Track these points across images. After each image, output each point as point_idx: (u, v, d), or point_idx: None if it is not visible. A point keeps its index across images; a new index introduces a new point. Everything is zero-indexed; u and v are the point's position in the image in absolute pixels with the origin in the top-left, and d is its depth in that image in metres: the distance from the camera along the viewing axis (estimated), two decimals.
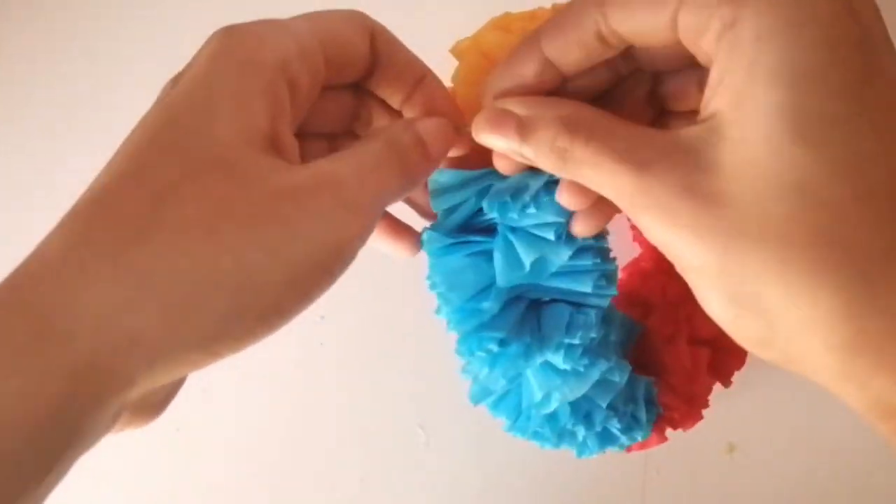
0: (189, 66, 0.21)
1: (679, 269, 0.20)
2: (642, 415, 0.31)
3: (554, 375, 0.28)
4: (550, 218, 0.25)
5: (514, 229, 0.26)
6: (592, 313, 0.28)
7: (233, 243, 0.18)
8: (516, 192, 0.25)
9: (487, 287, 0.27)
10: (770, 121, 0.17)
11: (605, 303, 0.28)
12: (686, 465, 0.38)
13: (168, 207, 0.18)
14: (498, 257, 0.26)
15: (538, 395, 0.29)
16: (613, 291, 0.27)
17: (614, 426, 0.30)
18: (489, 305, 0.27)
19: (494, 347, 0.27)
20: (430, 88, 0.25)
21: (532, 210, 0.25)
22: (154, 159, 0.19)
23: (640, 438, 0.32)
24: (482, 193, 0.26)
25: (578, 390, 0.28)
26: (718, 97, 0.18)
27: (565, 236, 0.26)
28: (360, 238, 0.20)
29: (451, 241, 0.27)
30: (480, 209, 0.26)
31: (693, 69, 0.22)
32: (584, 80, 0.23)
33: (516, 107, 0.22)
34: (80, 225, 0.18)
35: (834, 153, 0.17)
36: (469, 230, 0.27)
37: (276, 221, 0.19)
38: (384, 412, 0.40)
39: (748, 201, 0.18)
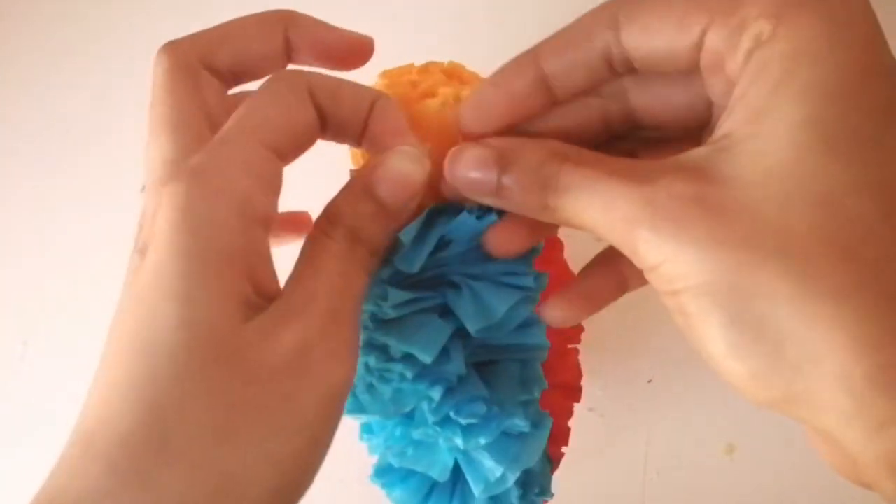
0: (149, 236, 0.19)
1: (670, 291, 0.18)
2: (548, 469, 0.30)
3: (511, 443, 0.26)
4: (519, 265, 0.24)
5: (475, 278, 0.24)
6: (538, 366, 0.26)
7: (257, 440, 0.18)
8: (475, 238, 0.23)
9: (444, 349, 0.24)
10: (796, 132, 0.16)
11: (545, 355, 0.26)
12: (686, 465, 0.38)
13: (176, 428, 0.17)
14: (467, 308, 0.24)
15: (495, 473, 0.26)
16: (548, 342, 0.26)
17: (543, 482, 0.29)
18: (454, 367, 0.24)
19: (482, 409, 0.25)
20: (381, 116, 0.23)
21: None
22: (144, 373, 0.18)
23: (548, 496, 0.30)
24: (426, 240, 0.23)
25: (537, 452, 0.26)
26: (735, 116, 0.18)
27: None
28: (354, 369, 0.21)
29: (408, 296, 0.24)
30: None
31: (682, 109, 0.21)
32: (569, 114, 0.22)
33: (495, 141, 0.21)
34: (96, 462, 0.17)
35: (864, 169, 0.16)
36: (415, 285, 0.24)
37: (277, 409, 0.18)
38: None
39: (766, 212, 0.16)
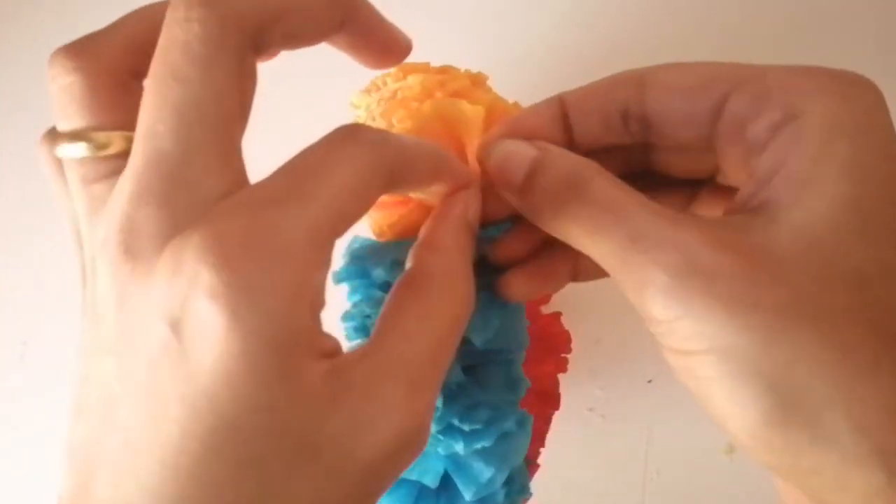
0: (192, 334, 0.15)
1: (681, 350, 0.17)
2: (526, 468, 0.29)
3: (501, 444, 0.26)
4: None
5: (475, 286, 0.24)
6: (520, 366, 0.26)
7: None
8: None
9: None
10: (838, 211, 0.17)
11: (524, 355, 0.26)
12: (686, 465, 0.38)
13: None
14: (474, 322, 0.23)
15: (486, 475, 0.25)
16: (527, 340, 0.26)
17: (523, 481, 0.28)
18: (453, 375, 0.24)
19: (485, 414, 0.25)
20: (448, 174, 0.21)
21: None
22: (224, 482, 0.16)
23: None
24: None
25: (524, 451, 0.26)
26: (775, 185, 0.18)
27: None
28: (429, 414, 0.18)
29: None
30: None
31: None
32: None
33: (539, 142, 0.21)
34: None
35: (888, 255, 0.17)
36: None
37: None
38: None
39: (804, 284, 0.16)
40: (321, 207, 0.16)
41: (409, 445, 0.17)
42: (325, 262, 0.16)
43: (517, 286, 0.24)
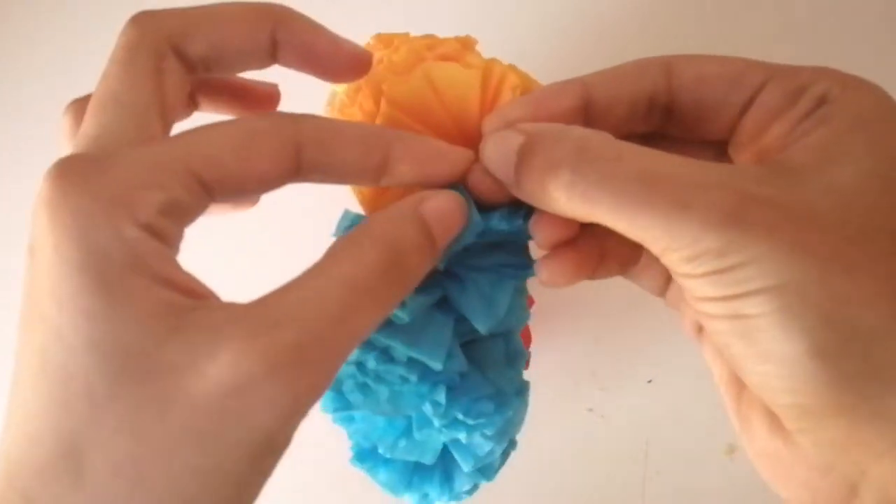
0: (34, 232, 0.17)
1: (739, 293, 0.18)
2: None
3: (506, 409, 0.25)
4: (514, 256, 0.23)
5: (477, 269, 0.23)
6: (519, 337, 0.26)
7: (164, 480, 0.16)
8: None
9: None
10: (865, 180, 0.18)
11: (522, 327, 0.26)
12: (686, 465, 0.38)
13: (88, 458, 0.16)
14: (474, 307, 0.23)
15: (485, 449, 0.26)
16: (528, 315, 0.25)
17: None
18: (457, 365, 0.23)
19: (489, 407, 0.24)
20: (407, 159, 0.21)
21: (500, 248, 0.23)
22: (58, 399, 0.16)
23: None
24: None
25: (522, 421, 0.26)
26: (798, 148, 0.19)
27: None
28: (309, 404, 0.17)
29: (425, 301, 0.23)
30: None
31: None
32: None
33: (527, 126, 0.21)
34: (15, 493, 0.16)
35: None
36: None
37: (193, 450, 0.16)
38: None
39: (849, 233, 0.17)
40: (185, 145, 0.18)
41: (254, 390, 0.16)
42: (167, 189, 0.17)
43: (559, 273, 0.23)
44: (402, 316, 0.22)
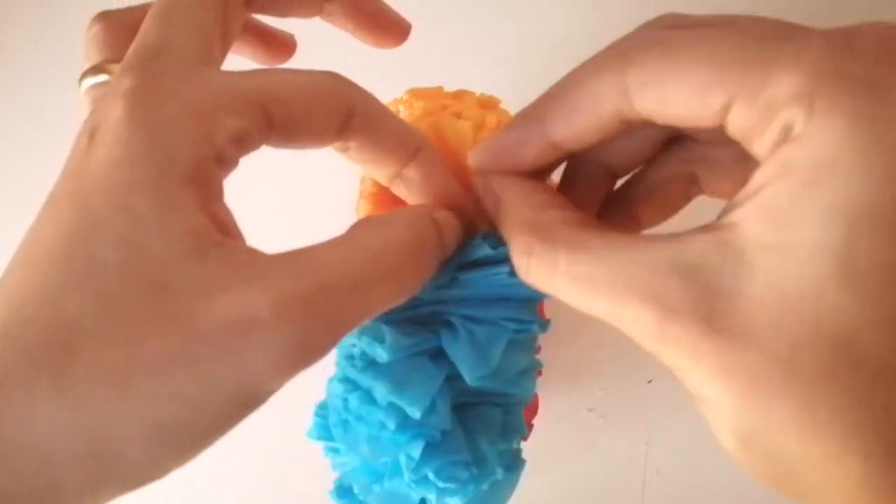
0: (100, 119, 0.17)
1: (688, 389, 0.18)
2: None
3: (483, 493, 0.24)
4: (520, 310, 0.23)
5: (475, 321, 0.23)
6: (521, 411, 0.24)
7: (146, 397, 0.15)
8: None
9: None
10: (819, 261, 0.15)
11: (529, 401, 0.24)
12: (686, 465, 0.38)
13: (81, 352, 0.15)
14: (465, 355, 0.22)
15: None
16: (535, 390, 0.24)
17: None
18: (440, 421, 0.22)
19: (464, 474, 0.23)
20: (428, 167, 0.22)
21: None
22: (71, 283, 0.16)
23: None
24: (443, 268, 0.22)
25: (508, 496, 0.25)
26: (748, 213, 0.16)
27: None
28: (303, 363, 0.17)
29: (408, 342, 0.22)
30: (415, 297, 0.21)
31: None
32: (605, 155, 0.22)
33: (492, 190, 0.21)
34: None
35: (881, 307, 0.15)
36: (409, 320, 0.22)
37: (182, 377, 0.16)
38: None
39: (778, 345, 0.15)
40: (265, 82, 0.18)
41: (257, 333, 0.16)
42: (243, 117, 0.18)
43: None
44: (382, 353, 0.22)
